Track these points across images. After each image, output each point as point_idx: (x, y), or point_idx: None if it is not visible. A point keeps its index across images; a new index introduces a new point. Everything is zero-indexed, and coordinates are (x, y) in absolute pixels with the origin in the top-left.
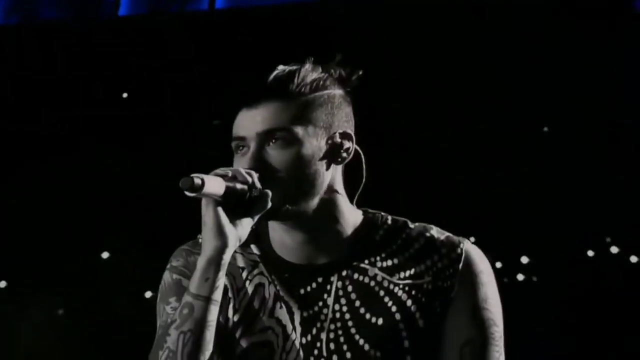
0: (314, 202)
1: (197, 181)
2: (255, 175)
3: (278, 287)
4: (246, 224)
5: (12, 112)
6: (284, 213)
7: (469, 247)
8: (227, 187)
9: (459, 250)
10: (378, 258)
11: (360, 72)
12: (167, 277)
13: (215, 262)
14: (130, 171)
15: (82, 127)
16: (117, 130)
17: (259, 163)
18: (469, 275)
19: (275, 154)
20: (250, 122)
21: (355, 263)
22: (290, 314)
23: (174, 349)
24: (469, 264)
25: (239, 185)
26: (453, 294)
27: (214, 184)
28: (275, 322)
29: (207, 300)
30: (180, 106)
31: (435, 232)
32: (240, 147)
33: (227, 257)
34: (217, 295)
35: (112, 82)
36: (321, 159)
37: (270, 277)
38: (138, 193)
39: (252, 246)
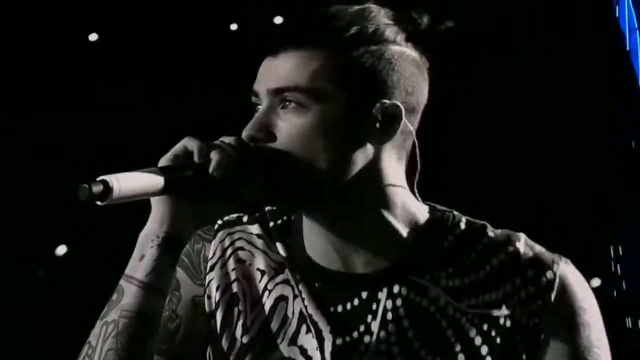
0: (344, 188)
1: (97, 187)
2: (224, 155)
3: (306, 302)
4: (214, 202)
5: None
6: (295, 199)
7: (566, 270)
8: (170, 181)
9: (550, 275)
10: (443, 274)
11: (450, 25)
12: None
13: (154, 235)
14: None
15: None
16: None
17: (261, 131)
18: (566, 311)
19: (285, 120)
20: (266, 73)
21: (412, 277)
22: (320, 341)
23: (94, 344)
24: (565, 296)
25: (189, 174)
26: (542, 336)
27: (136, 183)
28: (299, 351)
29: (141, 285)
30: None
31: (523, 244)
32: (257, 105)
33: (171, 231)
34: (156, 281)
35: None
36: (349, 135)
37: (297, 288)
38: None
39: (278, 244)
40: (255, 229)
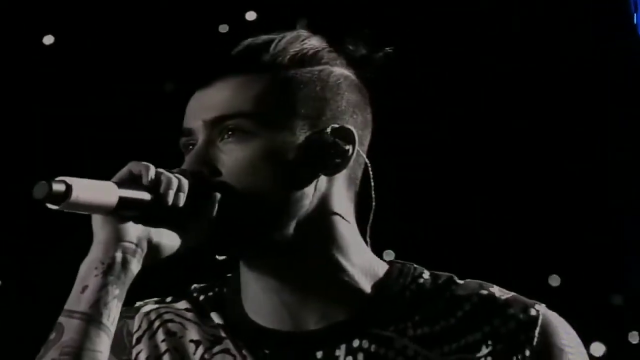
0: (294, 230)
1: (58, 187)
2: (175, 180)
3: None
4: (168, 232)
5: None
6: (240, 247)
7: (548, 311)
8: (124, 198)
9: (533, 312)
10: (409, 324)
11: (387, 51)
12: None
13: (98, 262)
14: None
15: None
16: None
17: (204, 164)
18: (551, 349)
19: (228, 152)
20: (200, 106)
21: (374, 330)
22: None
23: None
24: (549, 333)
25: (143, 196)
26: None
27: (93, 193)
28: None
29: (85, 317)
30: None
31: (497, 289)
32: (189, 146)
33: (119, 258)
34: (102, 313)
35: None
36: (301, 164)
37: (240, 355)
38: None
39: (213, 314)
40: (182, 304)
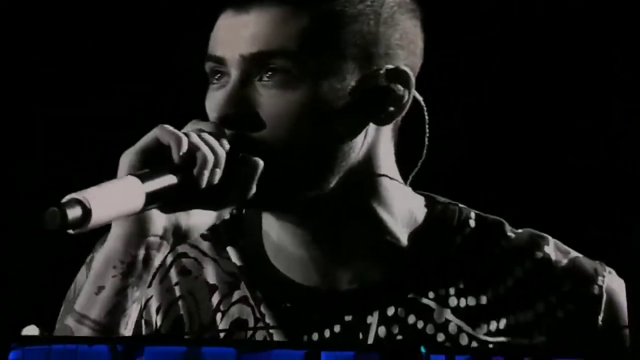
0: (336, 182)
1: (74, 213)
2: (211, 156)
3: (271, 330)
4: (197, 211)
5: None
6: (281, 202)
7: (613, 283)
8: (151, 193)
9: (596, 289)
10: (452, 290)
11: None
12: (80, 277)
13: (116, 260)
14: None
15: None
16: None
17: (240, 106)
18: (616, 332)
19: (268, 96)
20: (234, 34)
21: (412, 295)
22: None
23: None
24: (615, 316)
25: (170, 181)
26: None
27: (115, 204)
28: None
29: (99, 327)
30: None
31: (553, 248)
32: (217, 74)
33: (141, 256)
34: (118, 323)
35: None
36: (350, 114)
37: (258, 309)
38: None
39: (230, 249)
40: None
